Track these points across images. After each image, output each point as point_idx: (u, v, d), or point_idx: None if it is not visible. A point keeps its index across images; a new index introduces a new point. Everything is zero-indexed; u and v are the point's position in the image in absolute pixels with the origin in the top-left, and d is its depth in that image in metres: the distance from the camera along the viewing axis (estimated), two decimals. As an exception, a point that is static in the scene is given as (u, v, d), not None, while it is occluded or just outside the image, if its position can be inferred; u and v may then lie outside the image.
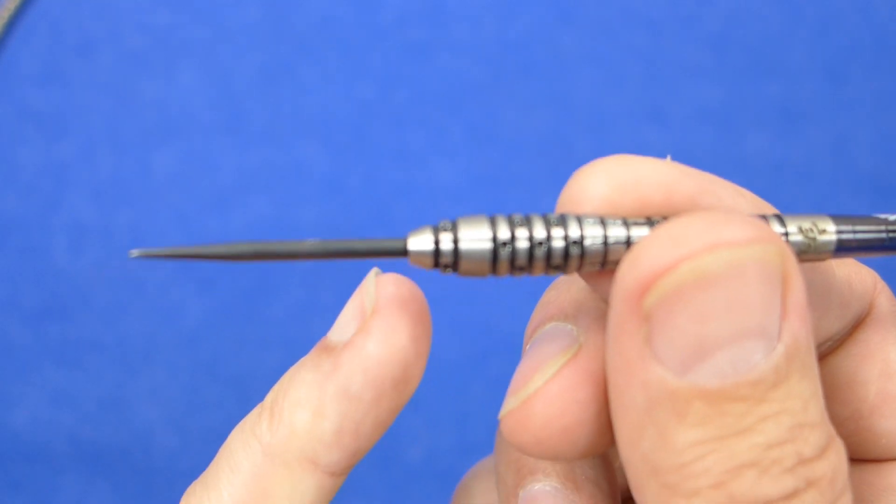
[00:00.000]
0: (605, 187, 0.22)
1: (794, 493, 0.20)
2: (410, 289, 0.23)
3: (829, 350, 0.27)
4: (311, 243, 0.21)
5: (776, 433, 0.20)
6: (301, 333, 0.60)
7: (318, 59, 0.63)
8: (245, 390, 0.59)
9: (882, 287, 0.27)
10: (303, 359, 0.24)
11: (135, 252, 0.21)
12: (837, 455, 0.21)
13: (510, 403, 0.24)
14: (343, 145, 0.62)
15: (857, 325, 0.27)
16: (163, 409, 0.59)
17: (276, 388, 0.24)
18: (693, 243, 0.20)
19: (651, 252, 0.20)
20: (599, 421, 0.23)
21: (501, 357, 0.60)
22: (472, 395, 0.53)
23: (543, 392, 0.23)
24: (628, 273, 0.20)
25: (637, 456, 0.21)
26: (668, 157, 0.23)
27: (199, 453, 0.59)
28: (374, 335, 0.22)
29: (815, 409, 0.21)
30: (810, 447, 0.20)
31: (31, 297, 0.60)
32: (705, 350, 0.20)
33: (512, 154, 0.62)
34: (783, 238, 0.22)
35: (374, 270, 0.24)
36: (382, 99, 0.62)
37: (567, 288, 0.26)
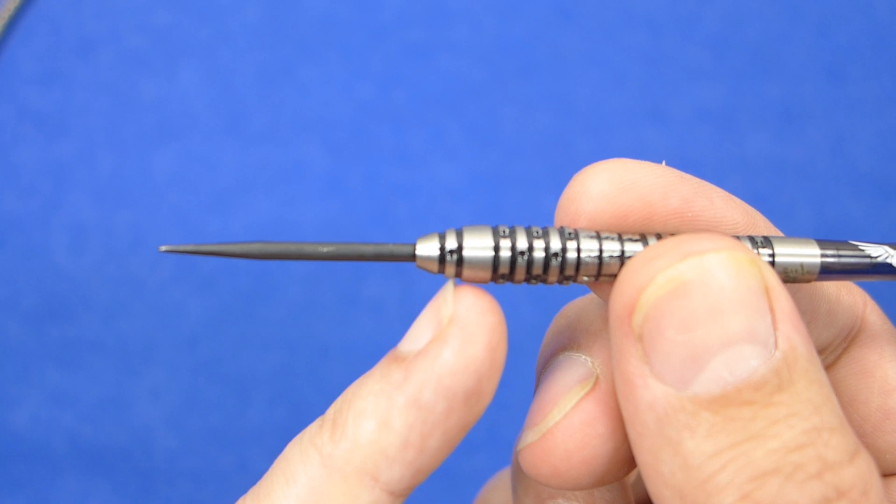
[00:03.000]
0: (606, 186, 0.23)
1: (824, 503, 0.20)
2: (489, 301, 0.22)
3: (826, 367, 0.28)
4: (328, 246, 0.23)
5: (791, 436, 0.20)
6: (301, 333, 0.60)
7: (318, 59, 0.63)
8: (245, 390, 0.59)
9: (872, 306, 0.28)
10: (369, 371, 0.23)
11: (163, 248, 0.22)
12: (867, 464, 0.20)
13: (529, 437, 0.24)
14: (343, 145, 0.62)
15: (850, 341, 0.28)
16: (163, 409, 0.59)
17: (338, 400, 0.23)
18: (665, 258, 0.21)
19: (631, 274, 0.21)
20: (618, 452, 0.24)
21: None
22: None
23: (563, 426, 0.24)
24: (616, 299, 0.21)
25: (661, 483, 0.21)
26: (664, 163, 0.24)
27: (199, 453, 0.59)
28: (451, 343, 0.22)
29: (831, 413, 0.20)
30: (833, 451, 0.20)
31: (31, 297, 0.60)
32: (699, 359, 0.20)
33: (512, 154, 0.62)
34: (765, 259, 0.23)
35: (451, 281, 0.23)
36: (382, 99, 0.62)
37: (578, 317, 0.26)
